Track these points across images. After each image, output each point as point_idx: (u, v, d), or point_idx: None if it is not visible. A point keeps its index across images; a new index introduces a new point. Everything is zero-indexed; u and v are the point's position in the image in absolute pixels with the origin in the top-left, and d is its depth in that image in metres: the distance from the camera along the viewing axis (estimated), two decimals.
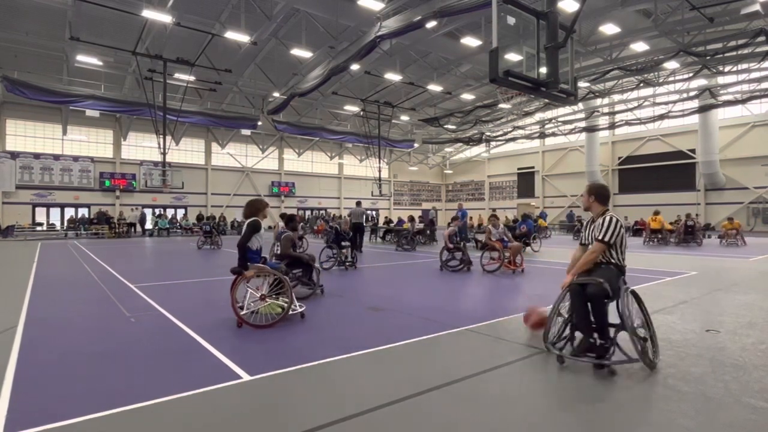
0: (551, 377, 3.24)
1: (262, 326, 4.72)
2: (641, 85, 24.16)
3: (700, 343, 4.14)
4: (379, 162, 29.17)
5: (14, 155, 25.11)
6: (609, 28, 18.01)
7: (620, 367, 3.44)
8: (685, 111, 25.89)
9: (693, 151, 28.96)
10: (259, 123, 28.37)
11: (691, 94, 25.33)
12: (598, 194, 3.84)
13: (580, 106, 29.96)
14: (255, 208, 5.21)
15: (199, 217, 30.22)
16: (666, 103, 26.68)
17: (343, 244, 10.38)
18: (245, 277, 4.85)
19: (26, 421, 2.56)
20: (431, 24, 15.78)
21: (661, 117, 27.02)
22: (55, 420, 2.56)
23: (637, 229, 24.28)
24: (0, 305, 6.08)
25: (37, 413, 2.67)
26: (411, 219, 17.34)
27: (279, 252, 6.61)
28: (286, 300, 5.06)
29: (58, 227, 26.10)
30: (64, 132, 26.59)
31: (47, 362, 3.66)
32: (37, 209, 26.24)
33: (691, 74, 22.47)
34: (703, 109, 25.04)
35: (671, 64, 20.45)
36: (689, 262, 11.18)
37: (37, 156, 25.85)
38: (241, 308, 4.86)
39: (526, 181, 39.21)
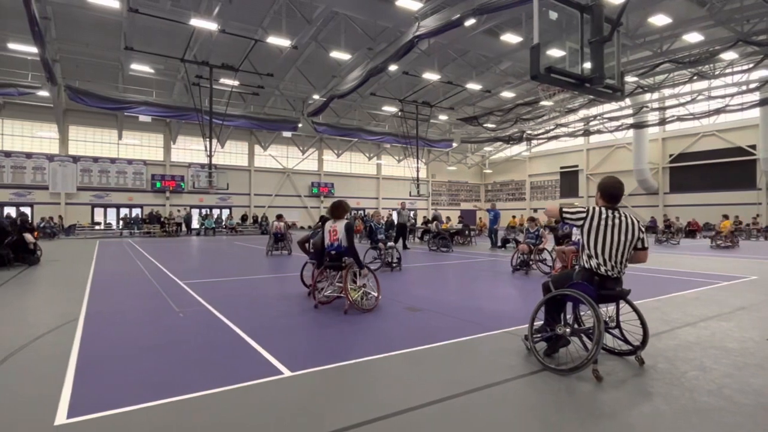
0: (591, 384, 3.14)
1: (368, 310, 5.48)
2: (695, 78, 22.77)
3: (760, 352, 3.87)
4: (417, 162, 29.11)
5: (75, 159, 26.96)
6: (659, 19, 17.13)
7: (668, 375, 3.29)
8: (745, 104, 24.18)
9: (753, 147, 27.05)
10: (300, 125, 29.01)
11: (752, 86, 23.65)
12: (604, 191, 3.56)
13: (628, 101, 28.64)
14: (344, 210, 5.91)
15: (244, 217, 31.40)
16: (723, 97, 25.02)
17: (379, 239, 10.28)
18: (350, 272, 5.62)
19: (88, 407, 2.75)
20: (470, 22, 15.59)
21: (717, 111, 25.34)
22: (112, 407, 2.73)
23: (690, 231, 23.02)
24: (64, 299, 6.54)
25: (97, 400, 2.86)
26: (435, 218, 17.59)
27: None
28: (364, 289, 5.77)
29: (114, 226, 27.72)
30: (120, 137, 28.25)
31: (105, 353, 3.91)
32: (95, 209, 28.02)
33: (751, 65, 20.98)
34: (764, 102, 23.32)
35: (729, 55, 19.21)
36: (748, 266, 10.47)
37: (95, 159, 27.62)
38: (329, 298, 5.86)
39: (569, 181, 37.95)
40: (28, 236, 10.97)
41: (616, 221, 3.40)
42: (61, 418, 2.62)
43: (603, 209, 3.45)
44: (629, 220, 3.44)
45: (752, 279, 8.31)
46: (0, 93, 21.90)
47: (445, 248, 15.17)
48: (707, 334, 4.44)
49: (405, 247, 15.72)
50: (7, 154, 25.27)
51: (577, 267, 3.62)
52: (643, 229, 3.49)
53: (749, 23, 16.77)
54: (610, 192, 3.54)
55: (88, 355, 3.80)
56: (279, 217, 14.39)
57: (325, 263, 5.86)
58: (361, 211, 34.55)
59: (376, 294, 5.82)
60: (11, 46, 18.61)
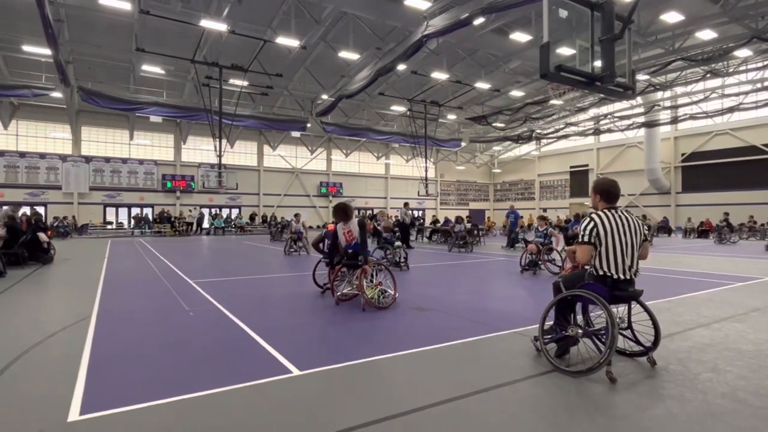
0: (602, 385, 3.11)
1: (384, 308, 5.59)
2: (708, 75, 22.45)
3: None
4: (426, 162, 29.06)
5: (88, 159, 27.33)
6: (671, 17, 16.90)
7: (681, 377, 3.24)
8: (759, 102, 23.79)
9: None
10: (308, 125, 29.12)
11: (766, 83, 23.29)
12: (603, 191, 3.56)
13: (639, 100, 28.34)
14: (352, 210, 6.20)
15: (252, 217, 31.59)
16: (737, 95, 24.64)
17: (385, 237, 10.45)
18: (366, 270, 5.75)
19: (100, 404, 2.78)
20: (479, 21, 15.52)
21: (731, 110, 24.97)
22: (124, 405, 2.77)
23: (703, 231, 22.71)
24: (76, 297, 6.63)
25: (109, 398, 2.89)
26: (453, 220, 17.91)
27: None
28: (380, 287, 5.86)
29: (126, 226, 28.04)
30: (131, 137, 28.58)
31: (116, 351, 3.96)
32: (107, 209, 28.37)
33: (766, 62, 20.69)
34: None
35: (743, 52, 18.91)
36: (764, 267, 10.29)
37: (107, 160, 27.98)
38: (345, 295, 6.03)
39: (579, 180, 37.60)
40: (42, 235, 11.13)
41: (621, 221, 3.42)
42: (74, 414, 2.65)
43: (605, 213, 3.44)
44: (633, 219, 3.48)
45: (767, 280, 8.17)
46: (14, 94, 22.29)
47: (462, 248, 15.08)
48: (721, 335, 4.37)
49: (408, 246, 15.76)
50: (22, 155, 25.68)
51: (588, 267, 3.58)
52: (643, 225, 3.53)
53: (764, 20, 16.48)
54: (609, 191, 3.54)
55: (100, 353, 3.85)
56: (296, 216, 15.20)
57: (342, 262, 6.04)
58: (370, 211, 34.60)
59: (392, 292, 5.92)
60: (25, 48, 18.91)
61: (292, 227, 14.46)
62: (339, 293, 5.98)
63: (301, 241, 14.05)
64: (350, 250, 5.95)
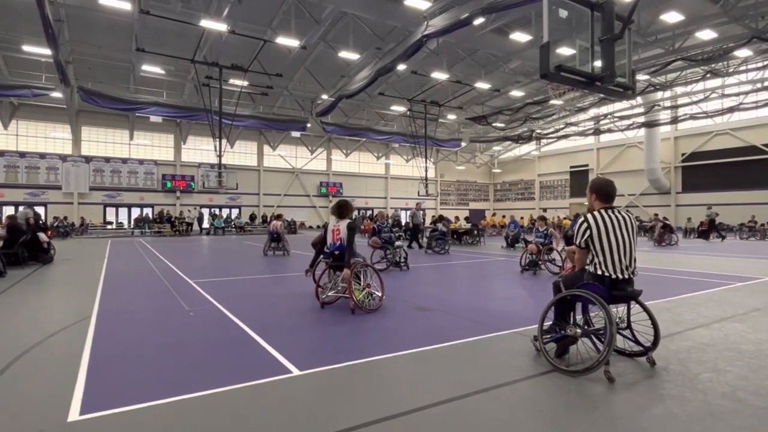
0: (602, 385, 3.10)
1: (373, 310, 5.45)
2: (708, 75, 22.46)
3: None
4: (426, 162, 29.06)
5: (88, 159, 27.35)
6: (671, 17, 16.91)
7: (681, 377, 3.24)
8: (759, 102, 23.79)
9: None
10: (308, 125, 29.14)
11: (767, 83, 23.28)
12: (599, 191, 3.56)
13: (639, 100, 28.34)
14: (350, 210, 5.83)
15: (252, 217, 31.59)
16: (737, 95, 24.65)
17: (383, 237, 10.35)
18: (353, 269, 5.51)
19: (100, 404, 2.78)
20: (479, 21, 15.53)
21: (731, 110, 24.97)
22: (124, 405, 2.76)
23: (703, 231, 22.67)
24: (76, 297, 6.62)
25: (109, 398, 2.89)
26: (441, 218, 18.07)
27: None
28: (368, 289, 5.66)
29: (126, 226, 28.04)
30: (131, 137, 28.60)
31: (117, 351, 3.95)
32: (107, 209, 28.37)
33: (766, 62, 20.68)
34: None
35: (743, 52, 18.92)
36: (764, 267, 10.29)
37: (107, 160, 28.00)
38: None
39: (579, 180, 37.59)
40: (42, 235, 11.14)
41: (618, 221, 3.42)
42: (74, 414, 2.65)
43: (600, 213, 3.45)
44: (629, 218, 3.49)
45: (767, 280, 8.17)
46: (14, 94, 22.30)
47: (440, 249, 14.04)
48: (721, 335, 4.37)
49: (420, 246, 15.92)
50: (22, 155, 25.69)
51: (588, 266, 3.58)
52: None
53: (764, 20, 16.48)
54: (606, 191, 3.55)
55: (100, 353, 3.84)
56: (278, 217, 14.77)
57: (328, 263, 5.79)
58: (370, 211, 34.62)
59: (380, 294, 5.73)
60: (25, 48, 18.92)
61: (276, 226, 13.63)
62: (324, 296, 5.74)
63: (274, 243, 13.38)
64: (336, 251, 5.67)
